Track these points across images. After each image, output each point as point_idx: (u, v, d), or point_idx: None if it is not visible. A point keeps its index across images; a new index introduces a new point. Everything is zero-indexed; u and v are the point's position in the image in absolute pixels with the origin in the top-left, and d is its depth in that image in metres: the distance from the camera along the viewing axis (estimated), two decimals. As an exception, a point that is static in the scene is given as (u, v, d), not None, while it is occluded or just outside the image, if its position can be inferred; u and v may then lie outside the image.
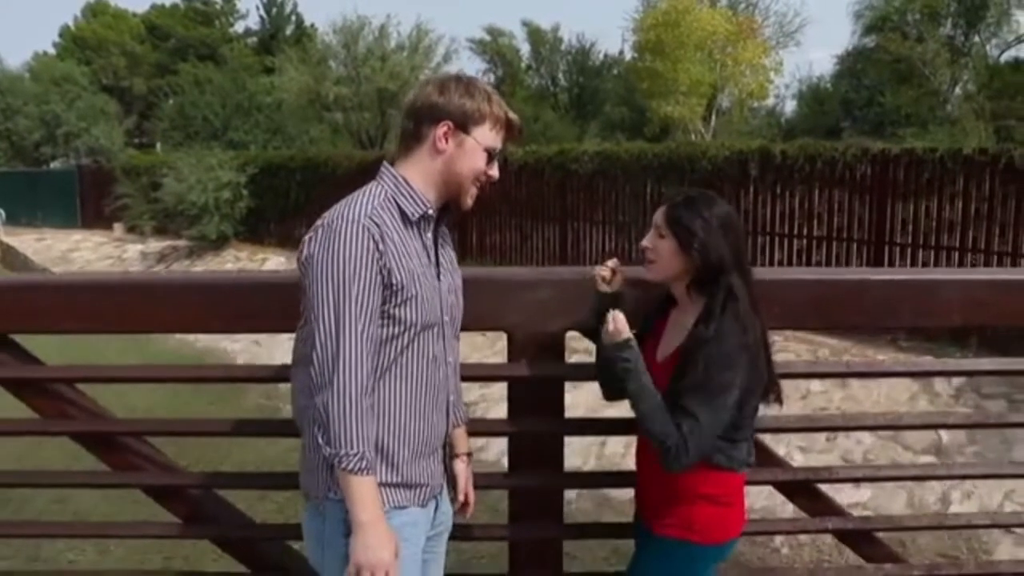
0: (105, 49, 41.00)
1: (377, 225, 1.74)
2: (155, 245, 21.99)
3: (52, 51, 41.86)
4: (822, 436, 7.45)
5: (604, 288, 2.09)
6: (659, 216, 2.01)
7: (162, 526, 2.38)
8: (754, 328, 1.94)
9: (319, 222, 1.78)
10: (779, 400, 2.05)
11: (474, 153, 1.84)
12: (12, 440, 6.70)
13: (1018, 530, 5.96)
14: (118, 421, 2.34)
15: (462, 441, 2.08)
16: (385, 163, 1.88)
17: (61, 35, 43.07)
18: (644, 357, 2.01)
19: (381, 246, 1.73)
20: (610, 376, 2.02)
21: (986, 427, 6.76)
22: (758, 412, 2.06)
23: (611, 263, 2.11)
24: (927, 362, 6.00)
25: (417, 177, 1.83)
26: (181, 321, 2.23)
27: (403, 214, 1.80)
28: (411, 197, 1.82)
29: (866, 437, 7.43)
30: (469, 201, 1.90)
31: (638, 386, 1.93)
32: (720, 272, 1.94)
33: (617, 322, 1.97)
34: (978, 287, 2.30)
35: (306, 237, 1.78)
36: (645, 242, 2.02)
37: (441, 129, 1.82)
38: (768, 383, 2.01)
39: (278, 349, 11.16)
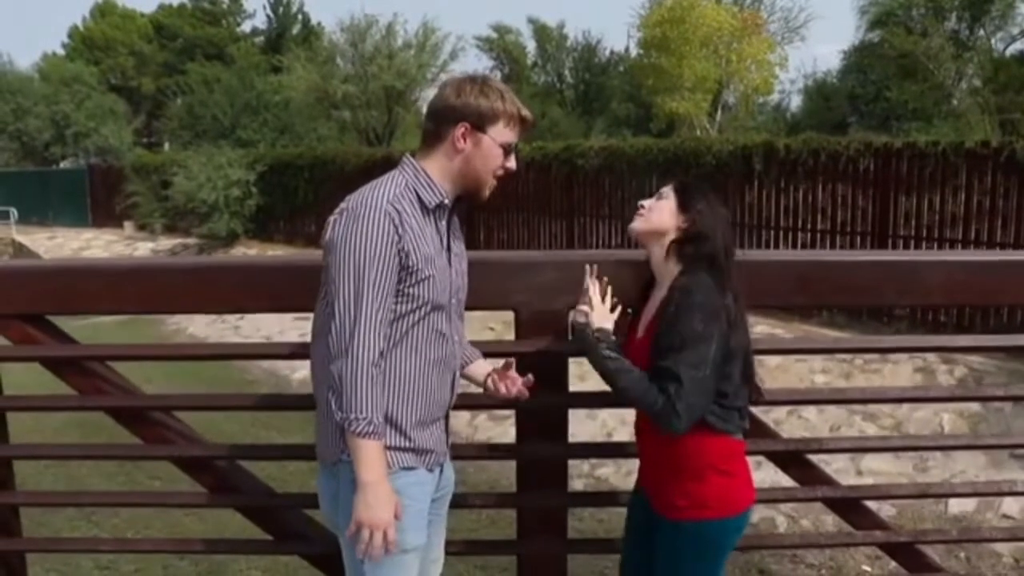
0: (113, 49, 41.27)
1: (397, 211, 1.89)
2: (165, 243, 22.19)
3: (61, 52, 42.17)
4: (825, 427, 7.56)
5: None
6: (665, 187, 2.13)
7: (191, 495, 2.52)
8: (737, 298, 2.03)
9: (343, 205, 1.93)
10: (758, 399, 2.16)
11: (491, 150, 1.99)
12: (29, 424, 6.87)
13: (1014, 516, 6.07)
14: (149, 396, 2.50)
15: (484, 364, 2.21)
16: (407, 155, 2.02)
17: (70, 36, 43.33)
18: (630, 337, 2.14)
19: (400, 230, 1.88)
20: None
21: (966, 400, 6.85)
22: (744, 385, 2.11)
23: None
24: (916, 339, 6.09)
25: (436, 170, 1.99)
26: (215, 302, 2.38)
27: (421, 202, 1.96)
28: (429, 187, 1.97)
29: (869, 428, 7.53)
30: (487, 193, 2.05)
31: (608, 369, 2.02)
32: (707, 240, 2.03)
33: (594, 301, 2.09)
34: (958, 268, 2.42)
35: (331, 219, 1.93)
36: (643, 201, 2.13)
37: (459, 130, 1.97)
38: (746, 373, 2.09)
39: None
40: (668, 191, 2.11)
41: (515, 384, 2.14)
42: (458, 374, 2.12)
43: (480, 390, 2.24)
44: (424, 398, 1.99)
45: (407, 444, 1.97)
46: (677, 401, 1.92)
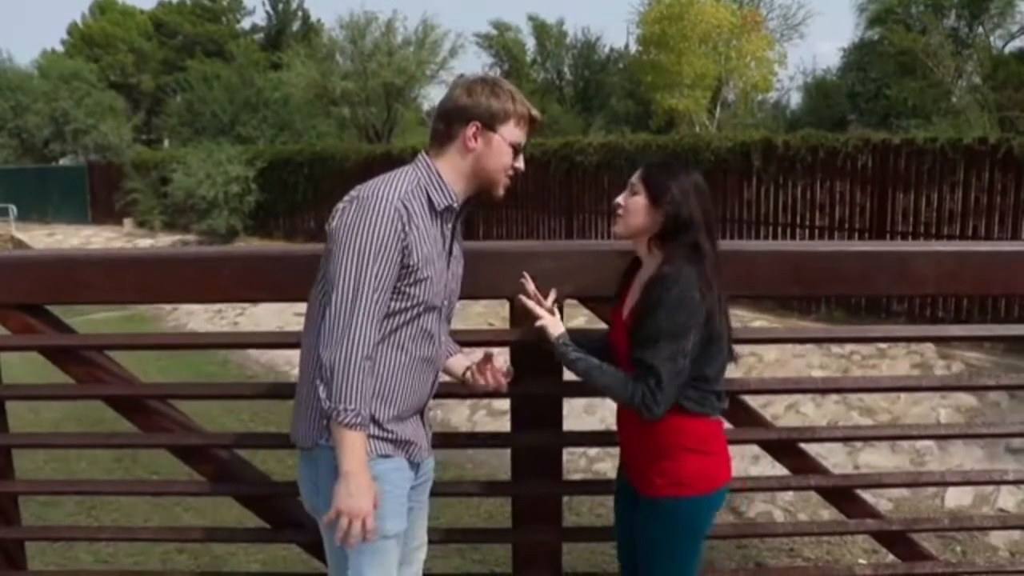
0: (113, 46, 41.23)
1: (407, 208, 1.90)
2: (165, 239, 22.19)
3: (61, 48, 42.11)
4: (823, 423, 7.57)
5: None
6: (635, 176, 2.14)
7: (189, 484, 2.54)
8: (718, 285, 2.04)
9: (354, 193, 1.94)
10: (732, 360, 2.19)
11: (501, 149, 2.01)
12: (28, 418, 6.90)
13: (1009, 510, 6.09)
14: (147, 385, 2.51)
15: (462, 359, 2.23)
16: (423, 152, 2.04)
17: (69, 32, 43.29)
18: (614, 317, 2.17)
19: (407, 228, 1.89)
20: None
21: (958, 389, 6.90)
22: (726, 368, 2.16)
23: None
24: (907, 329, 6.10)
25: (448, 171, 2.00)
26: (216, 292, 2.39)
27: (431, 202, 1.97)
28: (440, 189, 1.98)
29: (866, 423, 7.55)
30: (501, 191, 2.07)
31: (581, 369, 2.09)
32: (687, 229, 2.04)
33: (539, 316, 2.16)
34: (948, 258, 2.44)
35: (339, 206, 1.94)
36: (618, 199, 2.14)
37: (470, 129, 1.99)
38: (727, 354, 2.12)
39: (288, 339, 11.29)
40: (638, 183, 2.12)
41: (495, 376, 2.16)
42: (439, 373, 2.14)
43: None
44: (404, 395, 2.01)
45: (385, 435, 1.99)
46: (657, 392, 1.98)
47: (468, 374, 2.19)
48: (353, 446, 1.87)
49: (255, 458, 2.75)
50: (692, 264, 2.02)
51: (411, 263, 1.90)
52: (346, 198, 1.94)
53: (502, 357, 2.22)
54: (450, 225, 2.04)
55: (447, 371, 2.21)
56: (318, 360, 1.88)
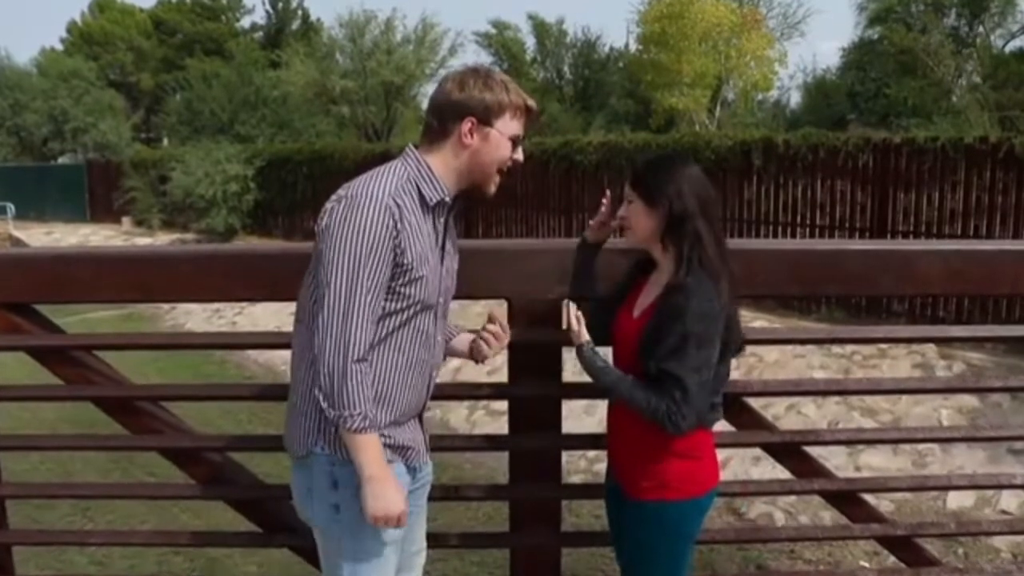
0: (112, 44, 41.20)
1: (398, 205, 1.83)
2: (163, 238, 22.16)
3: (60, 47, 42.05)
4: (824, 424, 7.54)
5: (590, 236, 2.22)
6: (626, 186, 2.10)
7: (181, 487, 2.49)
8: (728, 283, 2.01)
9: (342, 192, 1.87)
10: (739, 351, 2.14)
11: (499, 143, 1.94)
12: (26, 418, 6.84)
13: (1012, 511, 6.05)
14: (138, 386, 2.46)
15: (466, 336, 2.17)
16: (411, 145, 1.97)
17: (68, 31, 43.24)
18: (621, 314, 2.12)
19: (399, 225, 1.82)
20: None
21: (962, 391, 6.88)
22: (727, 379, 2.13)
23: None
24: (909, 329, 6.07)
25: (440, 166, 1.93)
26: (213, 290, 2.34)
27: (422, 197, 1.90)
28: (431, 182, 1.91)
29: (867, 424, 7.52)
30: (493, 188, 2.00)
31: (606, 380, 2.04)
32: (685, 219, 1.99)
33: (572, 325, 2.08)
34: (953, 257, 2.39)
35: (328, 206, 1.87)
36: (619, 212, 2.11)
37: (466, 125, 1.91)
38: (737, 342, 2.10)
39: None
40: (630, 192, 2.08)
41: (493, 336, 2.10)
42: (435, 375, 2.08)
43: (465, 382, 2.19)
44: (402, 398, 1.96)
45: (383, 440, 1.93)
46: (683, 405, 1.93)
47: (473, 347, 2.14)
48: (367, 449, 1.82)
49: (251, 461, 2.70)
50: (706, 265, 1.97)
51: (405, 262, 1.84)
52: (334, 197, 1.87)
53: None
54: (442, 219, 1.98)
55: (454, 352, 2.16)
56: (314, 367, 1.82)
